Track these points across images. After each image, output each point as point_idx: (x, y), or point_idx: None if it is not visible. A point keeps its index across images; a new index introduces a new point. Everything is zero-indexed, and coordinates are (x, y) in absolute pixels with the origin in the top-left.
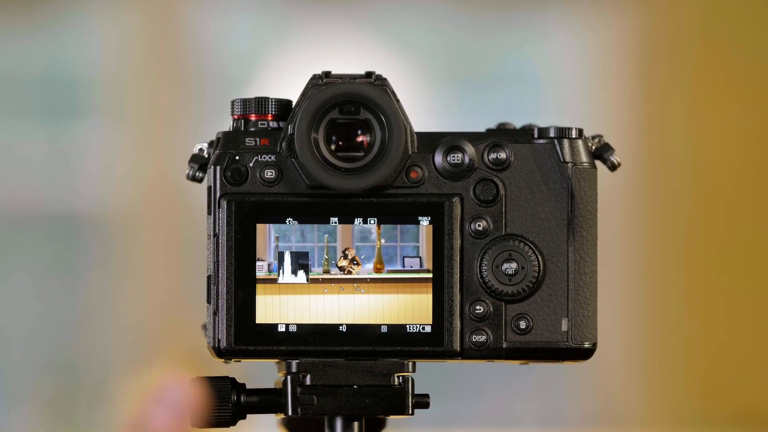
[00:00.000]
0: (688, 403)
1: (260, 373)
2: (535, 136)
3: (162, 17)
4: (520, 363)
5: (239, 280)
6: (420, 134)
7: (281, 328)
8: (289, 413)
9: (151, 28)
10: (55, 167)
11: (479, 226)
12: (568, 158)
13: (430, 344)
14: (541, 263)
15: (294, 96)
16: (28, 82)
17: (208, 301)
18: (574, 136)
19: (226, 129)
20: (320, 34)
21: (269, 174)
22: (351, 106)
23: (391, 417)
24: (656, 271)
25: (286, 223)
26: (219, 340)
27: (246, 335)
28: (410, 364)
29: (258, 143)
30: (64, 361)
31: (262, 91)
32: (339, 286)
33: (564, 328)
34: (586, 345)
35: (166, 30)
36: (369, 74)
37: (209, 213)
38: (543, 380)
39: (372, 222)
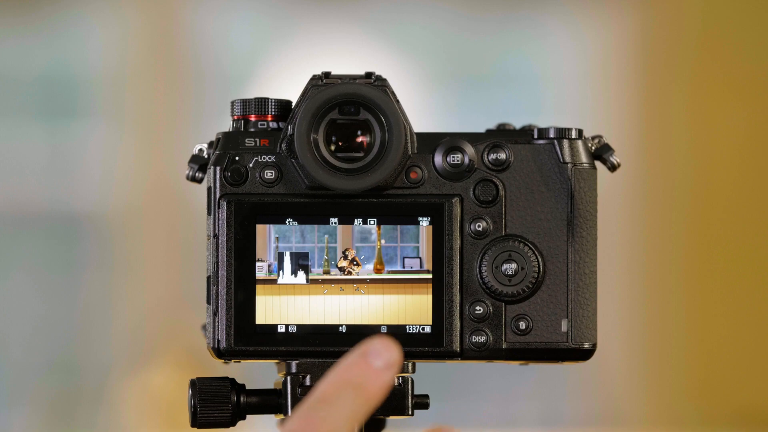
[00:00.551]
0: (688, 403)
1: (260, 373)
2: (535, 136)
3: (162, 17)
4: (520, 363)
5: (239, 280)
6: (420, 135)
7: (281, 329)
8: (289, 414)
9: (151, 28)
10: (55, 167)
11: (479, 226)
12: (567, 159)
13: (430, 345)
14: (540, 264)
15: (294, 96)
16: (28, 82)
17: (208, 302)
18: (573, 136)
19: (226, 129)
20: (320, 35)
21: (269, 174)
22: (351, 107)
23: (391, 417)
24: (656, 271)
25: (286, 223)
26: (219, 341)
27: (246, 336)
28: (410, 364)
29: (258, 144)
30: (64, 362)
31: (261, 91)
32: (339, 287)
33: (564, 328)
34: (586, 345)
35: (166, 30)
36: (369, 74)
37: (209, 213)
38: (543, 381)
39: (372, 222)
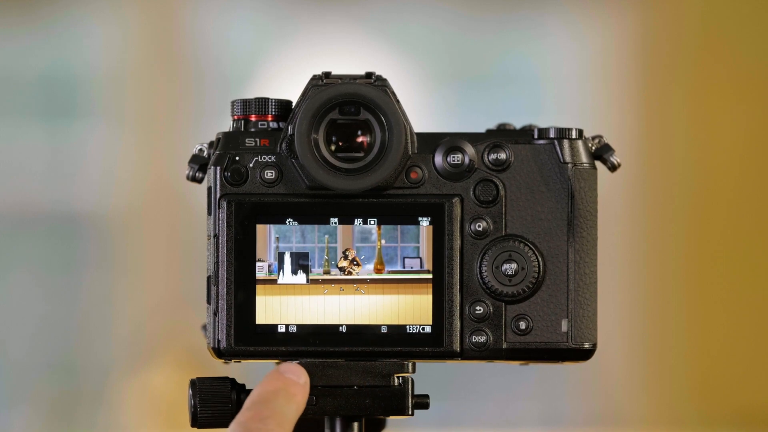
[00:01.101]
0: (688, 403)
1: (260, 373)
2: (535, 136)
3: (162, 17)
4: (520, 363)
5: (239, 280)
6: (420, 135)
7: (281, 329)
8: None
9: (151, 28)
10: (55, 167)
11: (479, 226)
12: (568, 159)
13: (430, 345)
14: (541, 264)
15: (294, 96)
16: (28, 82)
17: (208, 302)
18: (574, 136)
19: (226, 129)
20: (320, 35)
21: (269, 174)
22: (351, 107)
23: (391, 417)
24: (656, 271)
25: (286, 223)
26: (219, 341)
27: (246, 336)
28: (410, 364)
29: (258, 144)
30: (64, 362)
31: (262, 91)
32: (339, 287)
33: (564, 328)
34: (586, 345)
35: (166, 30)
36: (369, 75)
37: (209, 213)
38: (543, 381)
39: (372, 222)
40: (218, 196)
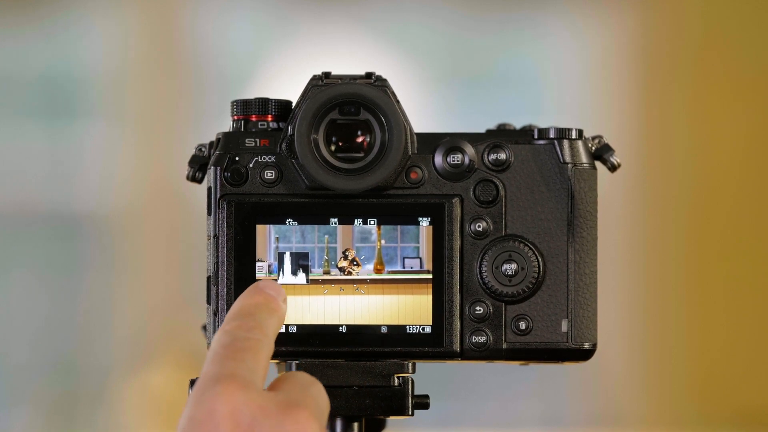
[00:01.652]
0: (688, 403)
1: None
2: (535, 136)
3: (162, 17)
4: (520, 364)
5: (239, 280)
6: (420, 135)
7: (281, 329)
8: None
9: (151, 28)
10: (56, 168)
11: (479, 226)
12: (568, 159)
13: (430, 345)
14: (541, 264)
15: (294, 97)
16: (28, 82)
17: (208, 302)
18: (574, 136)
19: (226, 130)
20: (320, 35)
21: (269, 175)
22: (351, 107)
23: (391, 417)
24: (656, 271)
25: (286, 223)
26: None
27: None
28: (410, 364)
29: (258, 144)
30: (64, 362)
31: (262, 91)
32: (339, 287)
33: (564, 328)
34: (586, 346)
35: (166, 30)
36: (369, 75)
37: (209, 214)
38: (543, 381)
39: (372, 223)
40: (218, 196)
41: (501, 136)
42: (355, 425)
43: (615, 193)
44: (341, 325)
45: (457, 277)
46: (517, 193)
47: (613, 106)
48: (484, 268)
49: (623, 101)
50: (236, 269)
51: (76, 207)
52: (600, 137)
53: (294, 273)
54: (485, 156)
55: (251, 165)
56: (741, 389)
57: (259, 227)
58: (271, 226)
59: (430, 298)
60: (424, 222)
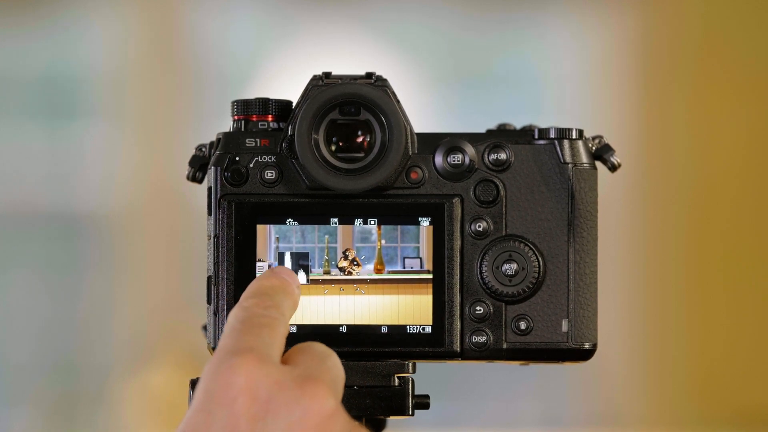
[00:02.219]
0: (688, 403)
1: None
2: (536, 136)
3: (162, 17)
4: (521, 364)
5: (239, 280)
6: (420, 135)
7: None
8: None
9: (151, 28)
10: (56, 167)
11: (479, 226)
12: (568, 159)
13: (431, 345)
14: (541, 264)
15: (294, 97)
16: (28, 82)
17: (209, 302)
18: (574, 136)
19: (227, 130)
20: (320, 35)
21: (269, 175)
22: (351, 107)
23: (391, 417)
24: (656, 272)
25: (286, 223)
26: (219, 341)
27: None
28: (410, 364)
29: (258, 144)
30: (64, 362)
31: (262, 91)
32: (339, 287)
33: (564, 328)
34: (587, 346)
35: (166, 30)
36: (369, 75)
37: (209, 214)
38: (543, 381)
39: (372, 223)
40: (218, 196)
41: (501, 136)
42: None
43: (615, 193)
44: (341, 325)
45: (457, 277)
46: (517, 193)
47: (613, 106)
48: (484, 268)
49: (623, 101)
50: (236, 269)
51: (76, 207)
52: (600, 137)
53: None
54: (485, 156)
55: (251, 165)
56: (741, 389)
57: (260, 227)
58: (272, 226)
59: (430, 298)
60: (425, 222)
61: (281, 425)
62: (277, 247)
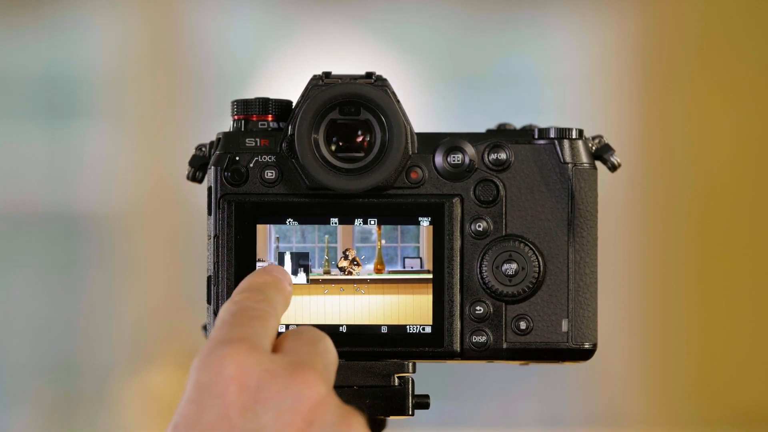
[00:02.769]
0: (688, 403)
1: None
2: (536, 136)
3: (162, 17)
4: (521, 364)
5: (239, 280)
6: (420, 135)
7: (281, 329)
8: None
9: (151, 28)
10: (55, 167)
11: (479, 226)
12: (568, 159)
13: (431, 345)
14: (541, 264)
15: (294, 96)
16: (28, 82)
17: (209, 302)
18: (574, 136)
19: (226, 129)
20: (320, 35)
21: (269, 174)
22: (351, 107)
23: (392, 417)
24: (656, 272)
25: (286, 223)
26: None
27: None
28: (410, 364)
29: (258, 144)
30: (64, 362)
31: (262, 91)
32: (339, 287)
33: (564, 328)
34: (587, 345)
35: (166, 30)
36: (369, 75)
37: (209, 214)
38: (543, 381)
39: (372, 223)
40: (218, 196)
41: (501, 136)
42: None
43: (615, 193)
44: (341, 325)
45: (457, 277)
46: (517, 193)
47: (613, 106)
48: (484, 268)
49: (623, 101)
50: (236, 269)
51: (76, 207)
52: (600, 137)
53: (294, 273)
54: (485, 156)
55: (251, 165)
56: (741, 389)
57: (260, 227)
58: (272, 226)
59: (430, 298)
60: (425, 222)
61: (272, 413)
62: (277, 247)
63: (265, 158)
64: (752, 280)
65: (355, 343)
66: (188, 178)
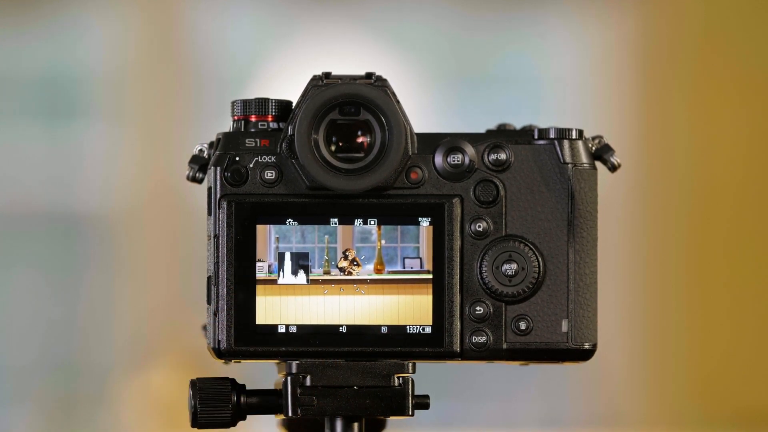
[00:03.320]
0: (688, 403)
1: (260, 374)
2: (536, 136)
3: (162, 17)
4: (521, 364)
5: (239, 280)
6: (420, 135)
7: (281, 329)
8: (289, 414)
9: (151, 28)
10: (55, 167)
11: (479, 226)
12: (568, 159)
13: (430, 345)
14: (541, 264)
15: (294, 97)
16: (28, 82)
17: (209, 302)
18: (574, 137)
19: (227, 130)
20: (320, 35)
21: (269, 175)
22: (351, 107)
23: (391, 418)
24: (656, 272)
25: (286, 223)
26: (219, 341)
27: (246, 336)
28: (410, 364)
29: (258, 144)
30: (64, 362)
31: (262, 91)
32: (339, 287)
33: (564, 328)
34: (586, 346)
35: (166, 30)
36: (369, 75)
37: (209, 214)
38: (543, 381)
39: (372, 223)
40: (218, 196)
41: (501, 136)
42: (355, 425)
43: (615, 193)
44: (341, 325)
45: (457, 277)
46: (517, 193)
47: (613, 106)
48: (484, 268)
49: (623, 101)
50: (236, 269)
51: (76, 207)
52: (600, 137)
53: (294, 273)
54: (485, 156)
55: (251, 165)
56: (741, 389)
57: (259, 227)
58: (272, 226)
59: (430, 298)
60: (424, 222)
61: None
62: (277, 247)
63: (265, 158)
64: (752, 280)
65: (355, 344)
66: (188, 178)
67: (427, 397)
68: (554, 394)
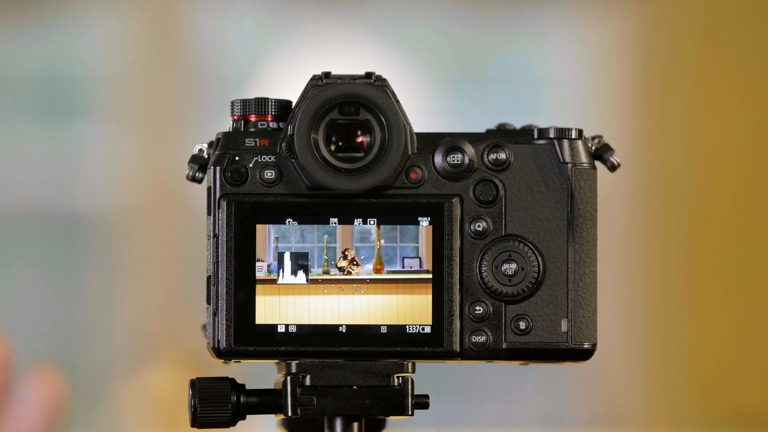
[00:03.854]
0: (688, 403)
1: (260, 373)
2: (535, 136)
3: (162, 17)
4: (520, 364)
5: (239, 280)
6: (420, 135)
7: (281, 329)
8: (289, 414)
9: (151, 28)
10: (55, 167)
11: (479, 226)
12: (568, 159)
13: (430, 345)
14: (540, 264)
15: (294, 96)
16: (28, 82)
17: (208, 302)
18: (573, 136)
19: (226, 129)
20: (320, 35)
21: (269, 174)
22: (351, 107)
23: (391, 417)
24: (656, 271)
25: (285, 223)
26: (219, 341)
27: (246, 336)
28: (410, 364)
29: (258, 144)
30: (64, 362)
31: (261, 91)
32: (339, 287)
33: (564, 328)
34: (586, 345)
35: (166, 30)
36: (369, 75)
37: (209, 213)
38: (543, 381)
39: (372, 222)
40: (218, 196)
41: (501, 136)
42: (355, 425)
43: (615, 193)
44: (341, 325)
45: (456, 277)
46: (517, 193)
47: (613, 106)
48: (483, 268)
49: (623, 101)
50: (236, 269)
51: (76, 207)
52: (600, 137)
53: (294, 273)
54: (485, 156)
55: (251, 165)
56: (741, 389)
57: (259, 227)
58: (271, 226)
59: (429, 298)
60: (424, 222)
61: None
62: (277, 247)
63: (264, 158)
64: (752, 280)
65: (355, 343)
66: (188, 178)
67: (426, 396)
68: (554, 394)
